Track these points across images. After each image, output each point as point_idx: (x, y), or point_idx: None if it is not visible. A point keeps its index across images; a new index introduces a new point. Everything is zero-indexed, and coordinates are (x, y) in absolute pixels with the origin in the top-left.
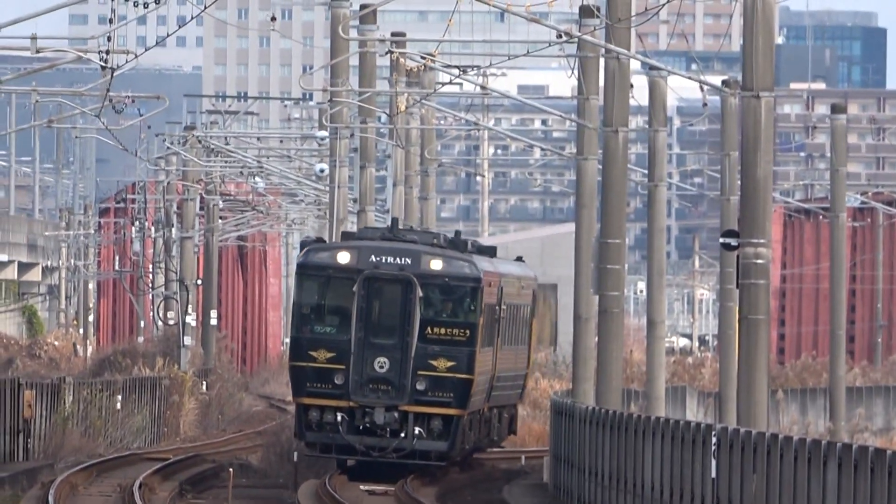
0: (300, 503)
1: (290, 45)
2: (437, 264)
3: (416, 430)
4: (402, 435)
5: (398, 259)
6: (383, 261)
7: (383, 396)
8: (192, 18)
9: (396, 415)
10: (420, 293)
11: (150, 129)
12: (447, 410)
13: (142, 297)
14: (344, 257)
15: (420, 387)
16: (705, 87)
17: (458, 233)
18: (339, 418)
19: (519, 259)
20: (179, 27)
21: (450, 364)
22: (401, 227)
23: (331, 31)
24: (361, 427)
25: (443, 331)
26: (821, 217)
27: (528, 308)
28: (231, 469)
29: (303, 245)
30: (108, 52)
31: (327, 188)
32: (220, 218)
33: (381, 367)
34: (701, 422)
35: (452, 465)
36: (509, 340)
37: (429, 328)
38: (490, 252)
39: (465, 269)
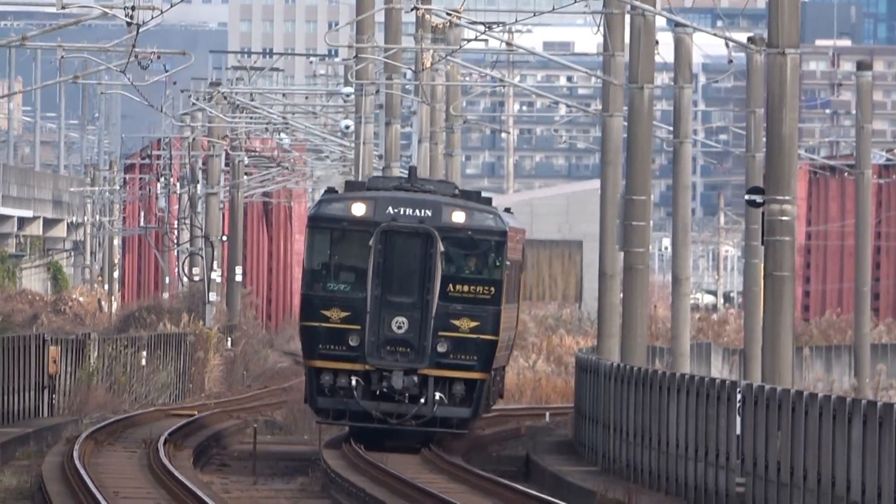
0: (325, 459)
1: (315, 1)
2: (459, 216)
3: (437, 395)
4: (422, 401)
5: (418, 211)
6: (402, 213)
7: (401, 359)
8: None
9: (415, 379)
10: (441, 247)
11: (175, 85)
12: (470, 374)
13: (167, 253)
14: (359, 209)
15: (441, 349)
16: (731, 44)
17: (444, 181)
18: (353, 383)
19: (507, 211)
20: None
21: (473, 324)
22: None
23: None
24: (378, 392)
25: (466, 288)
26: (846, 174)
27: (519, 264)
28: (255, 425)
29: (348, 186)
30: (133, 8)
31: (352, 144)
32: (246, 174)
33: (400, 327)
34: (726, 379)
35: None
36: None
37: (450, 285)
38: (487, 202)
39: (490, 221)
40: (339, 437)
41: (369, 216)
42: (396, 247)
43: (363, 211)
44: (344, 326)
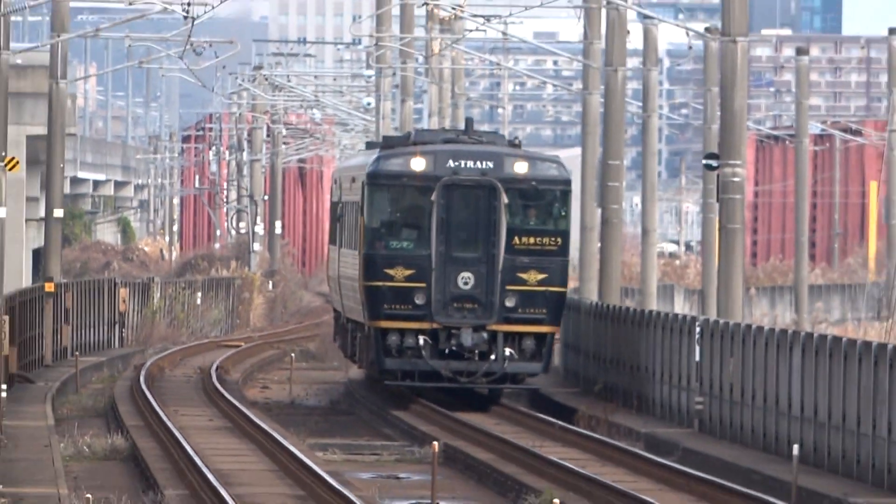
0: (352, 383)
1: None
2: (522, 167)
3: (507, 351)
4: (492, 357)
5: (479, 163)
6: (462, 165)
7: (469, 316)
8: None
9: (485, 335)
10: (505, 199)
11: (224, 69)
12: (540, 328)
13: (218, 210)
14: (419, 163)
15: (509, 303)
16: (690, 34)
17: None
18: (421, 342)
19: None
20: None
21: (541, 276)
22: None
23: None
24: (447, 351)
25: (532, 240)
26: (787, 142)
27: None
28: (293, 354)
29: (368, 146)
30: (189, 4)
31: (373, 118)
32: (284, 143)
33: (466, 283)
34: (686, 314)
35: None
36: None
37: (516, 238)
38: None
39: (553, 170)
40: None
41: (430, 170)
42: (459, 201)
43: (423, 165)
44: (409, 285)
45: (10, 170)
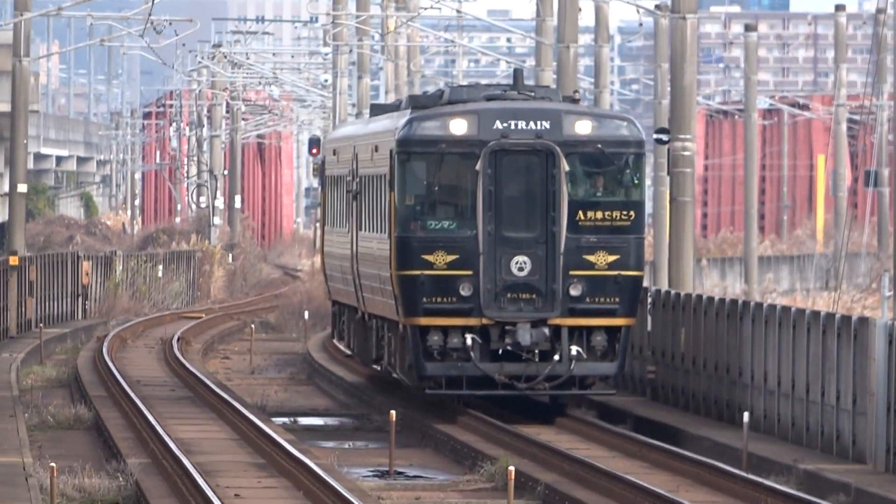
0: (310, 353)
1: None
2: (584, 126)
3: (573, 349)
4: (556, 358)
5: (532, 123)
6: (513, 127)
7: (526, 308)
8: None
9: (546, 331)
10: (566, 166)
11: (184, 47)
12: (612, 320)
13: (178, 185)
14: (460, 126)
15: (574, 292)
16: (641, 11)
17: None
18: (469, 341)
19: None
20: None
21: (612, 258)
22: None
23: None
24: (500, 351)
25: (599, 215)
26: (736, 117)
27: None
28: (252, 325)
29: (374, 109)
30: None
31: (331, 95)
32: (243, 119)
33: (521, 269)
34: None
35: None
36: None
37: (580, 213)
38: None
39: (624, 130)
40: (321, 336)
41: (473, 134)
42: (510, 169)
43: (465, 128)
44: (452, 273)
45: None
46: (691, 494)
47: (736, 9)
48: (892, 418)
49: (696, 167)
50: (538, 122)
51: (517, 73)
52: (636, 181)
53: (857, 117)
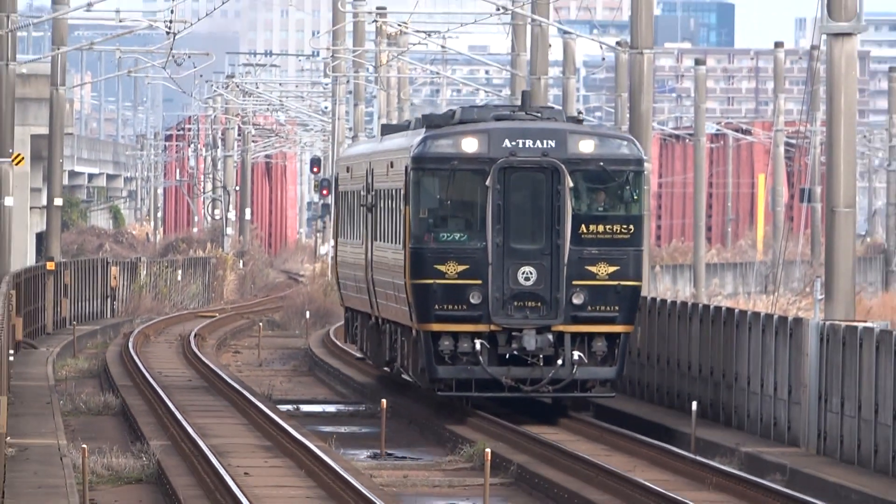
0: (311, 349)
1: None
2: (588, 145)
3: (576, 354)
4: (559, 362)
5: (539, 142)
6: (520, 145)
7: (532, 315)
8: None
9: (550, 337)
10: (570, 182)
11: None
12: (612, 328)
13: (195, 199)
14: (471, 144)
15: (577, 300)
16: (604, 46)
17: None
18: (478, 346)
19: None
20: (223, 3)
21: (612, 269)
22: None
23: (333, 5)
24: (507, 356)
25: (601, 228)
26: (687, 140)
27: None
28: (260, 323)
29: (386, 129)
30: (171, 22)
31: (330, 120)
32: (252, 141)
33: (527, 278)
34: None
35: None
36: None
37: (583, 226)
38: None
39: (624, 149)
40: (321, 333)
41: (483, 152)
42: (517, 185)
43: (476, 146)
44: (462, 282)
45: (17, 164)
46: (646, 474)
47: (687, 45)
48: (823, 407)
49: (651, 185)
50: (544, 141)
51: (525, 95)
52: (636, 197)
53: (793, 141)
